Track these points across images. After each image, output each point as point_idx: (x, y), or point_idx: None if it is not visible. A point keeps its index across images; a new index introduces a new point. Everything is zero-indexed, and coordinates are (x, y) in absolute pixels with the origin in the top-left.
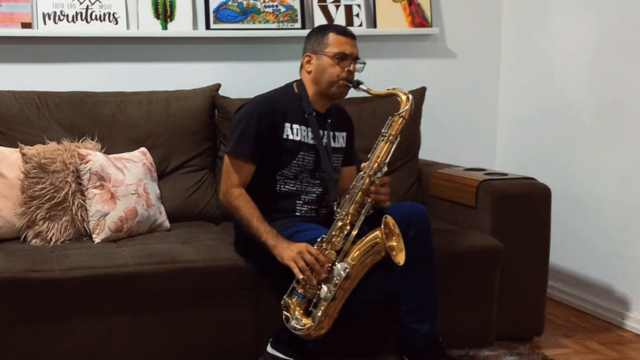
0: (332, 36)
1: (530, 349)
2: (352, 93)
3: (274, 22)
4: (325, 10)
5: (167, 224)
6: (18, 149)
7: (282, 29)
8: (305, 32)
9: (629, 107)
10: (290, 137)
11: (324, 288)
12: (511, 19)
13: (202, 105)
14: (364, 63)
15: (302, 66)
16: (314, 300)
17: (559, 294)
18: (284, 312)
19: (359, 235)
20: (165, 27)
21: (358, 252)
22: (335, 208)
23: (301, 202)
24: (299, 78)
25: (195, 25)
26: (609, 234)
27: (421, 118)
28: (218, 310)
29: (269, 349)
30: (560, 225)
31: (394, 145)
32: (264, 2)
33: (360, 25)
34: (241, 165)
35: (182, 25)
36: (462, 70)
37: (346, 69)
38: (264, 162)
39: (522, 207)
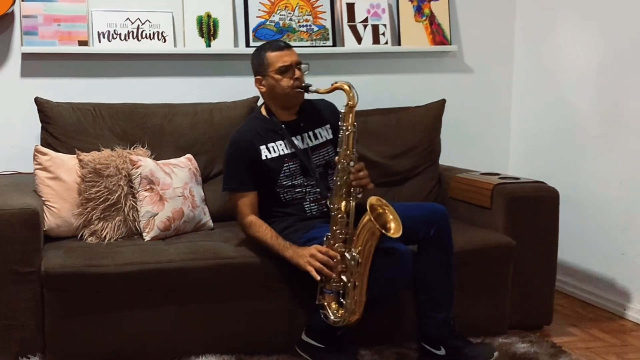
0: (268, 55)
1: (540, 337)
2: (371, 104)
3: (307, 40)
4: (354, 30)
5: (210, 223)
6: (75, 156)
7: (315, 46)
8: (335, 50)
9: (630, 117)
10: (269, 156)
11: (344, 278)
12: (523, 37)
13: (243, 116)
14: (308, 64)
15: (258, 89)
16: (341, 291)
17: (567, 287)
18: (321, 310)
19: (356, 222)
20: (209, 45)
21: (359, 238)
22: (328, 204)
23: (308, 202)
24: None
25: (236, 43)
26: (611, 232)
27: (441, 127)
28: (256, 302)
29: (303, 336)
30: (568, 224)
31: (354, 134)
32: (299, 22)
33: (386, 43)
34: (241, 197)
35: (224, 43)
36: (478, 83)
37: (293, 77)
38: (261, 183)
39: (532, 208)
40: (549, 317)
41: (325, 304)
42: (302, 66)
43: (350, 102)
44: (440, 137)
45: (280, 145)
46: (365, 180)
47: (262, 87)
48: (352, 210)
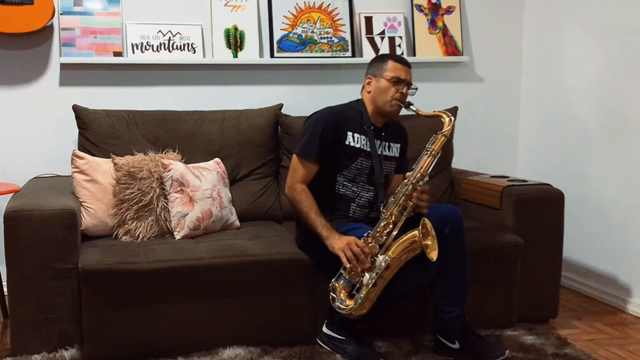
0: (390, 63)
1: (546, 330)
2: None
3: (328, 51)
4: (372, 42)
5: (237, 223)
6: (111, 159)
7: (336, 57)
8: (354, 60)
9: (630, 123)
10: (352, 143)
11: (367, 275)
12: (530, 48)
13: (267, 122)
14: (416, 88)
15: (363, 87)
16: (357, 285)
17: (571, 282)
18: (331, 293)
19: (400, 233)
20: (235, 56)
21: (398, 247)
22: (381, 208)
23: (355, 205)
24: (359, 97)
25: (261, 54)
26: (613, 231)
27: (454, 133)
28: (280, 297)
29: (324, 329)
30: (573, 224)
31: (435, 159)
32: (320, 34)
33: (402, 54)
34: (306, 165)
35: (250, 54)
36: (488, 92)
37: (400, 91)
38: (328, 163)
39: (539, 208)
40: (554, 311)
41: (337, 289)
42: (411, 89)
43: (446, 133)
44: (453, 142)
45: (363, 140)
46: (424, 203)
47: (369, 86)
48: (401, 223)
